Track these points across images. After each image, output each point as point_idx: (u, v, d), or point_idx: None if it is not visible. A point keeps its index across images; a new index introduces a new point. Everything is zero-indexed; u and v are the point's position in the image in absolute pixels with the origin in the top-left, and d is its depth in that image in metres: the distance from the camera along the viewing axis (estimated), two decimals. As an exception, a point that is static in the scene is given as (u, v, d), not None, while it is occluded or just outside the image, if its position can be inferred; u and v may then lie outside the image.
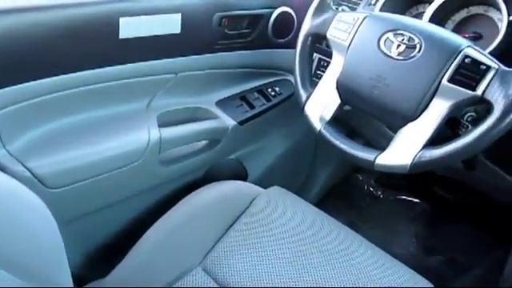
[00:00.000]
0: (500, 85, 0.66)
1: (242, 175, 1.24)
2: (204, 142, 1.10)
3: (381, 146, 0.77)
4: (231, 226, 0.88)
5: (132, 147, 0.93)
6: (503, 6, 0.87)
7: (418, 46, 0.73)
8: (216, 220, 0.90)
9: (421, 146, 0.71)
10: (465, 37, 0.86)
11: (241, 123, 1.11)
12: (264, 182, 1.06)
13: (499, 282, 1.10)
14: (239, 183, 1.03)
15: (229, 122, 1.09)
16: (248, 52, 1.12)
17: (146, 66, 0.93)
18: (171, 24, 0.93)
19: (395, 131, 0.76)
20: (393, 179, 1.56)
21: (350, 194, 1.58)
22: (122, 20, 0.85)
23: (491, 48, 0.85)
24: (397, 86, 0.74)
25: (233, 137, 1.12)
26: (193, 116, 1.08)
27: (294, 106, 0.88)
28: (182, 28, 0.95)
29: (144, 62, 0.93)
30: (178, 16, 0.93)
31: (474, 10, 0.98)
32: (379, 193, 1.57)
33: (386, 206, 1.55)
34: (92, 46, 0.84)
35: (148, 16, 0.88)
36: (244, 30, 1.08)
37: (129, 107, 0.97)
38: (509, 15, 0.86)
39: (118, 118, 0.94)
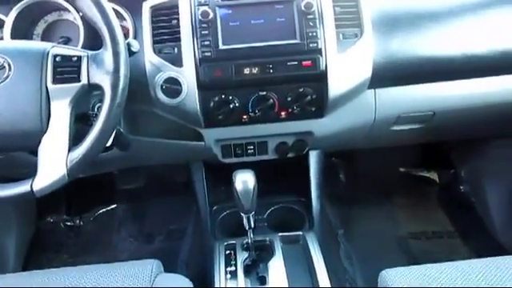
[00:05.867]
0: (97, 67, 0.72)
1: None
2: None
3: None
4: None
5: None
6: (70, 7, 0.93)
7: (6, 65, 0.71)
8: None
9: (66, 151, 0.71)
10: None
11: None
12: None
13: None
14: None
15: None
16: None
17: None
18: None
19: (37, 153, 0.73)
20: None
21: (49, 240, 1.48)
22: None
23: (81, 43, 0.92)
24: (9, 111, 0.70)
25: None
26: None
27: None
28: None
29: None
30: None
31: (51, 18, 1.02)
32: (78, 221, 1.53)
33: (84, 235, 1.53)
34: None
35: None
36: None
37: None
38: (78, 12, 0.93)
39: None
